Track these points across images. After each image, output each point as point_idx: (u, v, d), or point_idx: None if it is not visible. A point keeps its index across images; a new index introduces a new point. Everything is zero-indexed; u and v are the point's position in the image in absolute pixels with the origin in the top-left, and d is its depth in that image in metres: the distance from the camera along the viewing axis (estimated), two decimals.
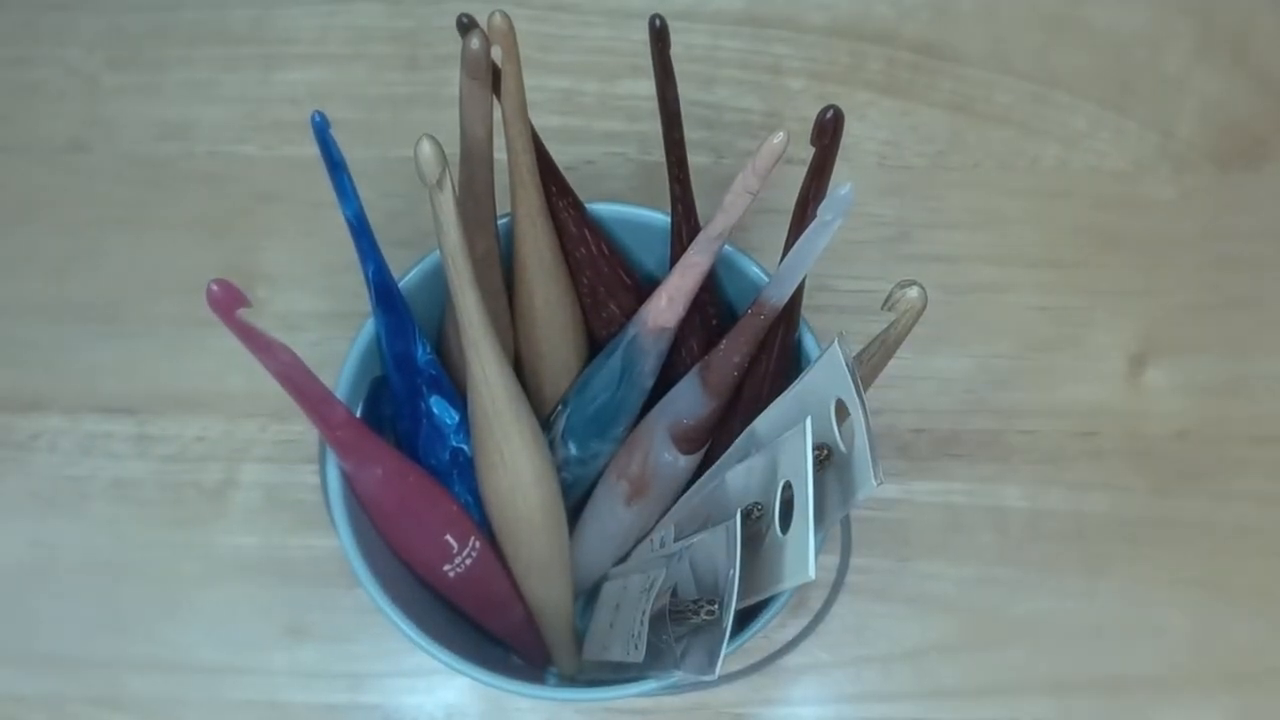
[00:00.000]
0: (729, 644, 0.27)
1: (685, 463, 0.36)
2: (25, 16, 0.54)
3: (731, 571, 0.28)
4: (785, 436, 0.29)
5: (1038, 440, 0.48)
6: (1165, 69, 0.53)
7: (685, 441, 0.35)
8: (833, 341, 0.29)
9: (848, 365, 0.28)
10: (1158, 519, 0.47)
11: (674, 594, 0.31)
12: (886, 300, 0.29)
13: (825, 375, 0.29)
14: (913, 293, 0.29)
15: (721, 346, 0.33)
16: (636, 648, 0.31)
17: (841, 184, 0.27)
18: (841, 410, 0.29)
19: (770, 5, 0.54)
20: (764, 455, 0.30)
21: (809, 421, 0.28)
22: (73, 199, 0.51)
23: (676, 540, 0.34)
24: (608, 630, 0.36)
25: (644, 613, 0.31)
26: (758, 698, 0.45)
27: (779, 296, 0.31)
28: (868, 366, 0.31)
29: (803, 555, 0.26)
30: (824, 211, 0.28)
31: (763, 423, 0.32)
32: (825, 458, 0.29)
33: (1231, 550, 0.46)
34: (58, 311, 0.49)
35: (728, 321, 0.35)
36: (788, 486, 0.28)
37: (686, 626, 0.30)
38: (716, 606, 0.28)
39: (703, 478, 0.36)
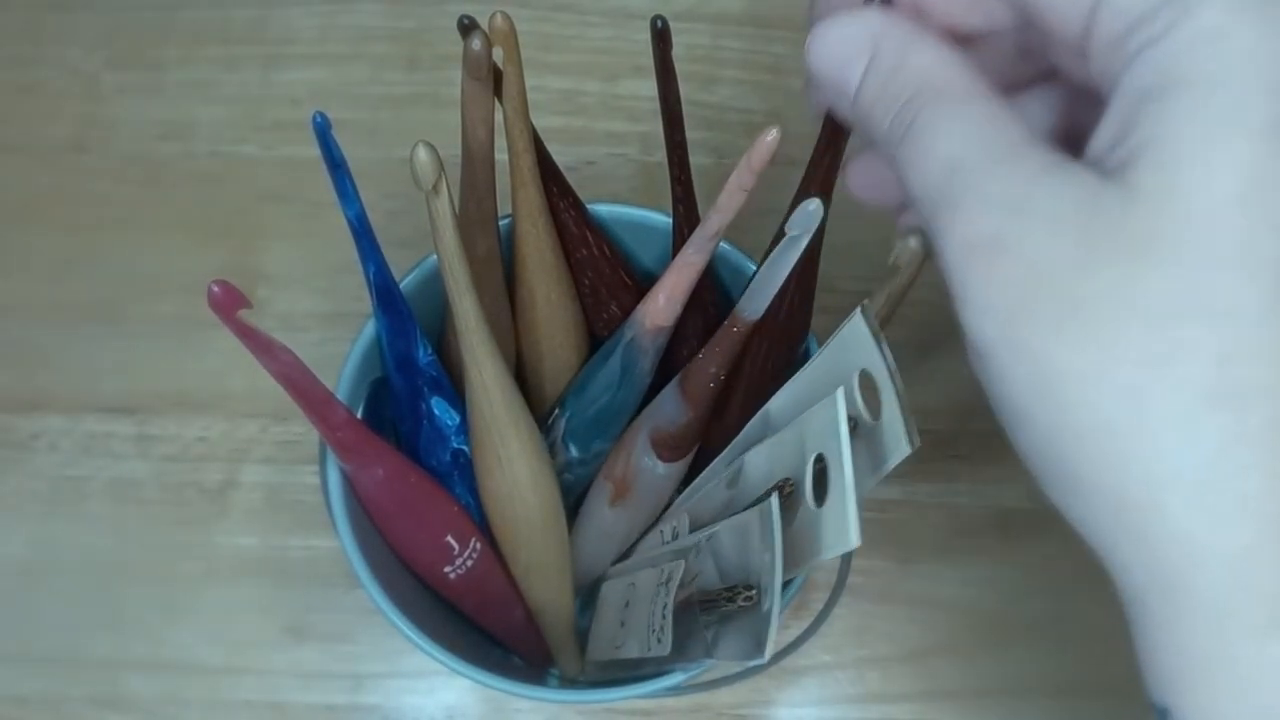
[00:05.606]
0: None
1: (665, 470, 0.36)
2: (26, 16, 0.54)
3: (769, 554, 0.27)
4: (811, 410, 0.28)
5: None
6: None
7: (665, 449, 0.35)
8: (854, 313, 0.29)
9: (872, 331, 0.28)
10: None
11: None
12: (891, 258, 0.29)
13: (844, 349, 0.29)
14: (914, 242, 0.28)
15: (699, 357, 0.33)
16: (660, 641, 0.31)
17: (809, 200, 0.27)
18: (864, 383, 0.29)
19: (771, 5, 0.53)
20: (789, 432, 0.30)
21: (841, 391, 0.27)
22: (73, 199, 0.51)
23: (693, 531, 0.34)
24: (618, 629, 0.35)
25: (666, 605, 0.31)
26: (759, 699, 0.45)
27: (753, 310, 0.31)
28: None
29: (843, 523, 0.26)
30: (791, 227, 0.28)
31: (776, 405, 0.32)
32: (852, 429, 0.29)
33: None
34: (58, 311, 0.49)
35: None
36: (819, 459, 0.28)
37: (715, 614, 0.29)
38: (754, 591, 0.28)
39: (714, 463, 0.35)
